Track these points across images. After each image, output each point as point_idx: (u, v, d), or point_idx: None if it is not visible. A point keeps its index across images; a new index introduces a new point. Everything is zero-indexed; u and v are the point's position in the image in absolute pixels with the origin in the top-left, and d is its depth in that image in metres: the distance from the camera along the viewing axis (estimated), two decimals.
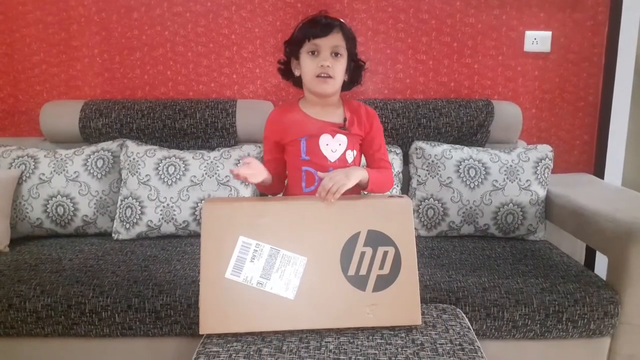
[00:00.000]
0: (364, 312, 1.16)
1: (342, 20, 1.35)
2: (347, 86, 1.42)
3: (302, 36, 1.32)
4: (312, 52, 1.31)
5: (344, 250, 1.18)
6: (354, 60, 1.38)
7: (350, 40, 1.35)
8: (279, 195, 1.47)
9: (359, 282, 1.17)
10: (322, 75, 1.31)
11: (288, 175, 1.43)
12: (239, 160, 1.89)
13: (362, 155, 1.45)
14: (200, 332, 1.16)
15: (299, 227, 1.19)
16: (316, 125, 1.36)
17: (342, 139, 1.36)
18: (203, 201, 1.81)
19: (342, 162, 1.35)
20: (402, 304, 1.18)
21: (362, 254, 1.18)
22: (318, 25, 1.31)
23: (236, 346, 1.12)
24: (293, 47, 1.36)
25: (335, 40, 1.31)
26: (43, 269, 1.58)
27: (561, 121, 2.25)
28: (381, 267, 1.18)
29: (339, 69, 1.32)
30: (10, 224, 1.82)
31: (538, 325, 1.44)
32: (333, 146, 1.35)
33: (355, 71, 1.40)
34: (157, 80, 2.22)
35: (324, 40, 1.30)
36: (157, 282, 1.49)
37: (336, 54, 1.32)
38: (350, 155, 1.37)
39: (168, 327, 1.45)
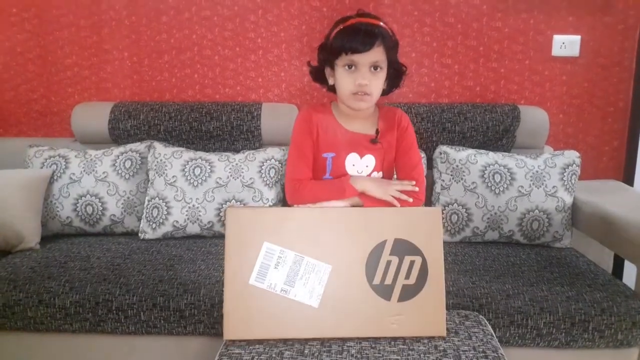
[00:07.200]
0: (388, 322, 1.15)
1: (381, 23, 1.24)
2: (385, 92, 1.34)
3: (339, 48, 1.21)
4: (349, 66, 1.22)
5: (369, 258, 1.16)
6: (393, 66, 1.29)
7: (392, 50, 1.25)
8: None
9: (384, 291, 1.16)
10: (359, 93, 1.23)
11: None
12: (263, 163, 1.92)
13: (393, 169, 1.39)
14: (225, 338, 1.16)
15: (323, 234, 1.17)
16: (346, 137, 1.31)
17: (370, 160, 1.32)
18: (227, 203, 1.85)
19: None
20: (427, 315, 1.16)
21: (388, 262, 1.16)
22: (358, 38, 1.19)
23: (258, 348, 1.13)
24: (328, 55, 1.26)
25: (376, 55, 1.21)
26: (72, 266, 1.62)
27: (589, 127, 2.21)
28: (407, 276, 1.16)
29: (376, 85, 1.24)
30: (41, 222, 1.87)
31: (563, 334, 1.41)
32: (359, 167, 1.31)
33: (394, 78, 1.32)
34: (185, 83, 2.26)
35: (364, 56, 1.20)
36: (181, 281, 1.52)
37: (375, 68, 1.23)
38: (375, 177, 1.35)
39: (192, 326, 1.47)
